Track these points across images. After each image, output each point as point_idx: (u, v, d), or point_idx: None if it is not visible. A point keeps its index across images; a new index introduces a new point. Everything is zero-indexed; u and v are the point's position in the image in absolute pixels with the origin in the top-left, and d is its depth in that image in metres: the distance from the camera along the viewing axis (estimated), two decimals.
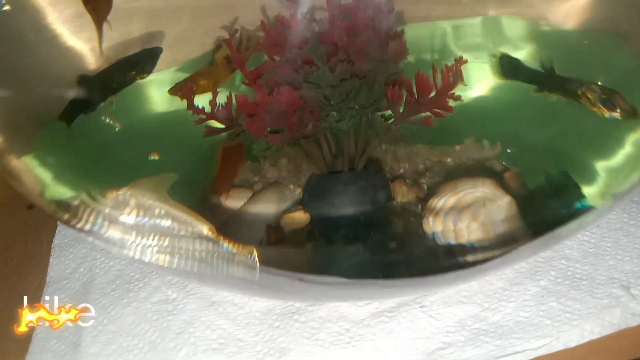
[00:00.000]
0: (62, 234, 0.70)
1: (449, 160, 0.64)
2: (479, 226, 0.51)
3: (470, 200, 0.52)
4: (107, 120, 0.60)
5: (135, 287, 0.60)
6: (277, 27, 0.53)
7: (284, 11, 0.53)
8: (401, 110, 0.52)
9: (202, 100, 0.55)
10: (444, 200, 0.53)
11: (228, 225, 0.57)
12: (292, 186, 0.62)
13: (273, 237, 0.56)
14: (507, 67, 0.64)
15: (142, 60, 0.60)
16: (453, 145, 0.65)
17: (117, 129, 0.60)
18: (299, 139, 0.53)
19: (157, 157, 0.61)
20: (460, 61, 0.50)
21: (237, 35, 0.56)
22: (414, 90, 0.52)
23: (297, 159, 0.63)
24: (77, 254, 0.66)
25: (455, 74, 0.50)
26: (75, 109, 0.58)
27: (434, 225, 0.52)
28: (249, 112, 0.50)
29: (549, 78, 0.61)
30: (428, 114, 0.52)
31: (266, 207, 0.59)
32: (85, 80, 0.59)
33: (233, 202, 0.61)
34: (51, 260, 0.66)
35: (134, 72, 0.60)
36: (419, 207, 0.56)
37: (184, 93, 0.53)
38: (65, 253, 0.67)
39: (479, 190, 0.52)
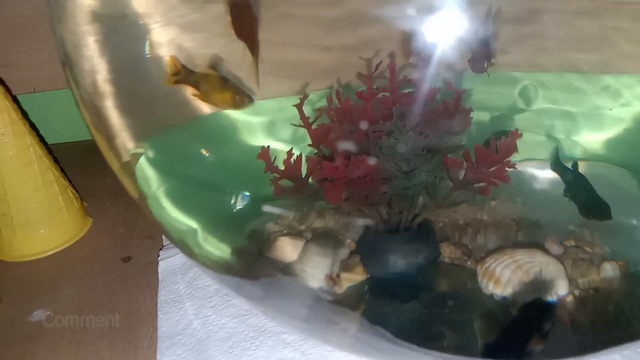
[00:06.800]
0: (167, 289, 0.69)
1: (485, 217, 0.68)
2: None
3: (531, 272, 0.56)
4: None
5: (253, 346, 0.60)
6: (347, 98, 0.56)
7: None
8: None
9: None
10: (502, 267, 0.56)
11: None
12: (340, 237, 0.65)
13: (332, 286, 0.59)
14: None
15: None
16: (489, 201, 0.70)
17: None
18: (367, 206, 0.56)
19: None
20: (515, 135, 0.55)
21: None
22: (473, 159, 0.56)
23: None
24: (187, 310, 0.66)
25: (511, 147, 0.55)
26: None
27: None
28: (329, 177, 0.52)
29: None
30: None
31: (324, 257, 0.61)
32: None
33: (288, 250, 0.63)
34: (160, 315, 0.65)
35: None
36: (468, 264, 0.61)
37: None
38: (174, 309, 0.66)
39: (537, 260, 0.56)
